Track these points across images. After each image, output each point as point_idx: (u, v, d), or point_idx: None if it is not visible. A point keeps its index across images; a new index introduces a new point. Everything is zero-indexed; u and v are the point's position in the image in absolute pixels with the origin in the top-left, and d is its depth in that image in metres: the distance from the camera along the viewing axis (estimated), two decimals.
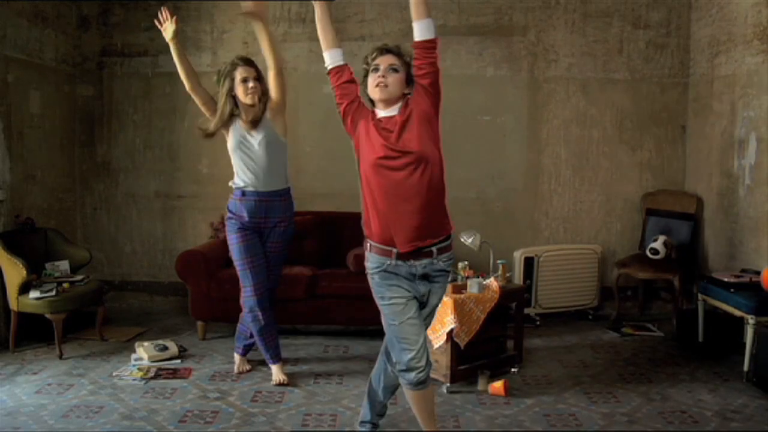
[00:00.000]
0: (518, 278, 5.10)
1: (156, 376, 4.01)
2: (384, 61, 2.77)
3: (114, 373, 4.04)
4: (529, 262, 5.23)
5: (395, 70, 2.76)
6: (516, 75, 5.68)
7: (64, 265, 4.75)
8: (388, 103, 2.77)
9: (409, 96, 2.78)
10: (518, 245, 5.34)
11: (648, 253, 5.14)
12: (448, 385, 3.83)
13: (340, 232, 5.19)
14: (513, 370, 4.14)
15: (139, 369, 4.09)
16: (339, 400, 3.70)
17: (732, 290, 4.19)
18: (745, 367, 4.02)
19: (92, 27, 5.73)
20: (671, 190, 5.64)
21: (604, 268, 5.54)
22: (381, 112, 2.79)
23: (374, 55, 2.80)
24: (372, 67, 2.79)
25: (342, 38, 5.58)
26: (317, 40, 2.90)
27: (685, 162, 5.71)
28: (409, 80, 2.80)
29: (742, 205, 4.83)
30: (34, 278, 4.40)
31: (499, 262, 4.25)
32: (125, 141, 5.79)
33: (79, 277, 4.66)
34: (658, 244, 5.10)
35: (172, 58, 3.78)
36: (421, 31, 2.71)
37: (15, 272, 4.30)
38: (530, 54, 5.67)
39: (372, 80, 2.77)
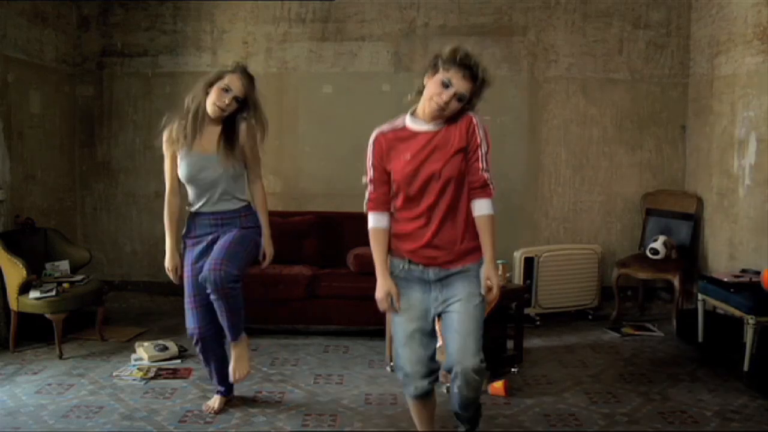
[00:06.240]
0: (518, 278, 5.09)
1: (156, 376, 4.00)
2: (458, 85, 2.48)
3: (114, 373, 4.04)
4: (529, 262, 5.22)
5: (460, 100, 2.50)
6: (516, 75, 5.68)
7: (64, 265, 4.75)
8: (431, 118, 2.55)
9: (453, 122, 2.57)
10: (518, 245, 5.33)
11: (648, 253, 5.14)
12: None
13: (340, 232, 5.19)
14: (513, 370, 4.13)
15: (139, 369, 4.09)
16: (339, 400, 3.70)
17: (732, 290, 4.19)
18: (745, 367, 4.01)
19: (92, 27, 5.73)
20: (671, 190, 5.64)
21: (604, 268, 5.53)
22: (421, 126, 2.58)
23: (452, 68, 2.50)
24: (442, 77, 2.50)
25: (342, 38, 5.70)
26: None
27: (685, 162, 5.71)
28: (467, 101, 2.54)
29: (742, 205, 4.83)
30: (34, 278, 4.40)
31: (499, 262, 4.24)
32: (125, 141, 5.79)
33: (79, 277, 4.66)
34: (658, 244, 5.10)
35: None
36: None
37: (15, 272, 4.30)
38: (530, 54, 5.67)
39: (434, 89, 2.49)
